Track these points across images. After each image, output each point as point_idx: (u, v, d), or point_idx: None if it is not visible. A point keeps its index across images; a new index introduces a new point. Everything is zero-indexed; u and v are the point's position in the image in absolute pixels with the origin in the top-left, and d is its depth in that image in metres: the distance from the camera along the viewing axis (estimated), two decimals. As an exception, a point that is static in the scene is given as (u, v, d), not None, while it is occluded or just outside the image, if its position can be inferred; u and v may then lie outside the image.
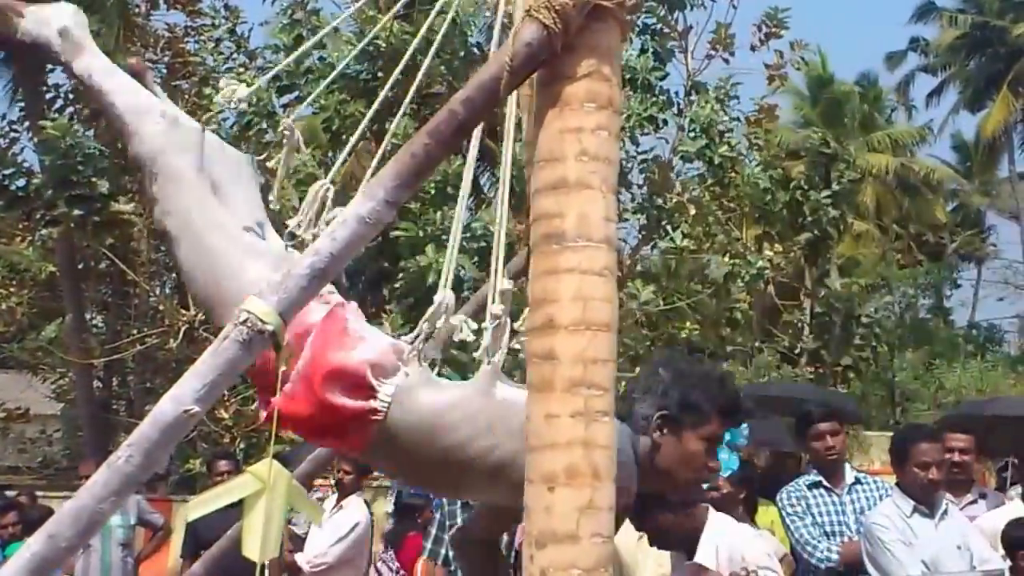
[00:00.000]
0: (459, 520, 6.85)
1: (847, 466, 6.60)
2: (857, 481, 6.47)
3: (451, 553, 6.82)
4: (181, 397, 2.42)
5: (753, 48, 15.61)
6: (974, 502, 6.70)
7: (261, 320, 2.41)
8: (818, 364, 23.10)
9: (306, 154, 13.57)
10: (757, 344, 23.99)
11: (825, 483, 6.41)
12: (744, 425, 5.72)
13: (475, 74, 2.71)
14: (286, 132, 3.59)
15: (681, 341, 16.44)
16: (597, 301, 2.59)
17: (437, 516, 7.07)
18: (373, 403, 3.05)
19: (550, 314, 2.58)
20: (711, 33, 15.23)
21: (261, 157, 3.88)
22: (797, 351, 23.35)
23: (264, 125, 14.47)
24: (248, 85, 3.82)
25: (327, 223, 3.26)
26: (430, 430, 3.05)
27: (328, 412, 3.05)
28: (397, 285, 14.03)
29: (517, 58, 2.62)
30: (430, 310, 3.12)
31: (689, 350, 18.77)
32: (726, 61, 15.42)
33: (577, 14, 2.61)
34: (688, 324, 16.01)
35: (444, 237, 13.26)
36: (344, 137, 14.85)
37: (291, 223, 3.36)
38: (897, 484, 5.66)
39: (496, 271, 3.13)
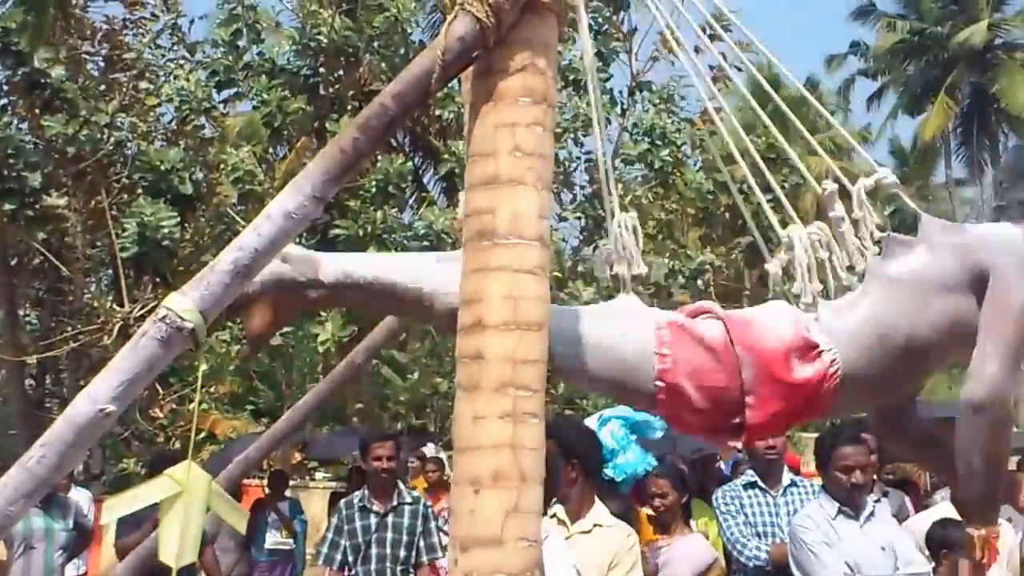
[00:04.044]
0: (357, 525, 6.71)
1: (784, 468, 6.62)
2: (793, 484, 6.50)
3: (350, 558, 6.67)
4: (97, 396, 2.32)
5: (697, 50, 15.55)
6: (877, 501, 6.72)
7: (180, 317, 2.32)
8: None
9: (245, 150, 13.43)
10: (698, 346, 24.01)
11: (761, 483, 6.43)
12: (657, 418, 5.63)
13: (406, 68, 2.64)
14: None
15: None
16: (528, 300, 2.53)
17: (334, 520, 6.82)
18: (827, 356, 3.19)
19: (479, 314, 2.52)
20: (658, 33, 15.25)
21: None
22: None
23: (201, 120, 14.28)
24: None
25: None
26: (873, 340, 3.22)
27: (799, 391, 3.18)
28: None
29: (449, 52, 2.56)
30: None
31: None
32: (672, 63, 15.46)
33: (511, 7, 2.56)
34: (629, 325, 15.96)
35: (385, 237, 13.13)
36: (285, 133, 14.68)
37: None
38: (823, 486, 5.67)
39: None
